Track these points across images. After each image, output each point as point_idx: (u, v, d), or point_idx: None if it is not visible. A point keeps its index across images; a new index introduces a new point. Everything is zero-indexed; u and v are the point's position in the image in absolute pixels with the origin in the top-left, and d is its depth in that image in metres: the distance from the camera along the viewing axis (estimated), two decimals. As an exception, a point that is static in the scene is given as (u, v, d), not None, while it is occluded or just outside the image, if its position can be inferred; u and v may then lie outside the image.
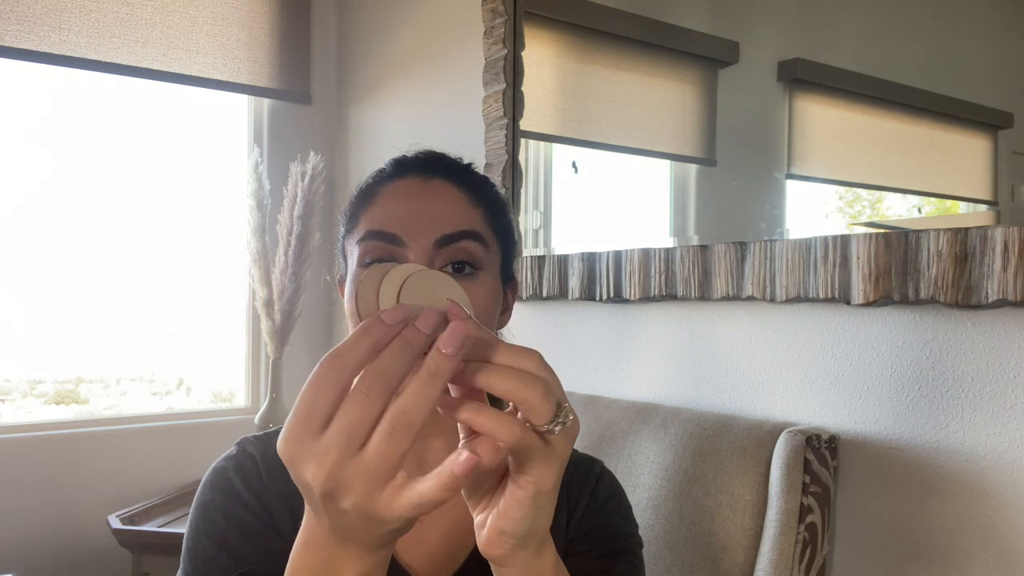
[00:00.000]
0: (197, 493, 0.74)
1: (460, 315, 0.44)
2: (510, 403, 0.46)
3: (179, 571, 0.72)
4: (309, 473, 0.42)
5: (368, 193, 0.74)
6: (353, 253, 0.71)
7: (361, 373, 0.42)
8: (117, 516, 1.75)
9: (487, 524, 0.50)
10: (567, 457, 0.48)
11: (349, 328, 0.64)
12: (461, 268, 0.69)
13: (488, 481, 0.51)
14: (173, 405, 2.32)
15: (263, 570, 0.68)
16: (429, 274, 0.49)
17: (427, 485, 0.42)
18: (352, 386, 0.42)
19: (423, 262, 0.67)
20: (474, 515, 0.52)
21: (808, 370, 1.12)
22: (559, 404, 0.45)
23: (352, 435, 0.42)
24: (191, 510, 0.73)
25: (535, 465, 0.46)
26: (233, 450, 0.76)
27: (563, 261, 1.46)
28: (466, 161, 0.80)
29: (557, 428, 0.45)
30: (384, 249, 0.69)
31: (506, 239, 0.77)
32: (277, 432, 0.73)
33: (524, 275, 1.54)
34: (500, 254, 0.75)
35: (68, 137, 2.09)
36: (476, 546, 0.72)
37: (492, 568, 0.53)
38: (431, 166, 0.74)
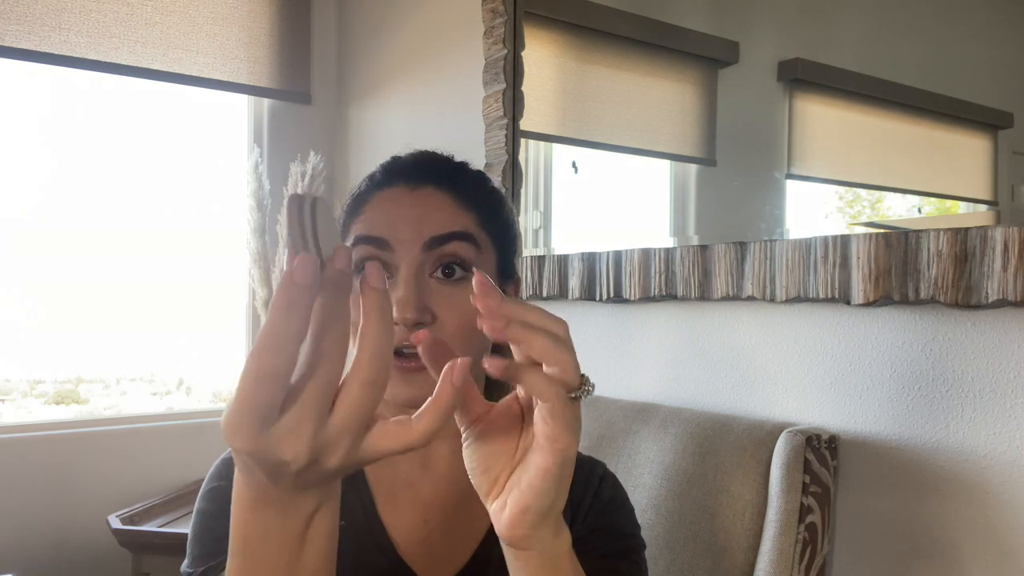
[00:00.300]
0: (204, 481, 0.75)
1: (485, 284, 0.45)
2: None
3: (186, 556, 0.72)
4: (288, 453, 0.41)
5: (359, 201, 0.75)
6: None
7: (310, 336, 0.41)
8: (117, 516, 1.75)
9: (508, 505, 0.50)
10: (579, 435, 0.49)
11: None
12: (451, 271, 0.69)
13: (499, 463, 0.51)
14: (173, 405, 2.32)
15: None
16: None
17: (426, 416, 0.43)
18: (302, 353, 0.41)
19: (412, 266, 0.67)
20: (489, 503, 0.51)
21: (808, 370, 1.12)
22: (581, 375, 0.47)
23: (323, 400, 0.41)
24: (198, 498, 0.74)
25: (564, 431, 0.47)
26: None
27: (563, 261, 1.46)
28: (460, 159, 0.79)
29: (584, 394, 0.47)
30: (374, 255, 0.69)
31: (503, 238, 0.76)
32: None
33: (524, 275, 1.54)
34: (496, 254, 0.75)
35: (68, 137, 2.09)
36: (478, 547, 0.73)
37: (511, 557, 0.53)
38: (420, 172, 0.73)
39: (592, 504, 0.77)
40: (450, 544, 0.74)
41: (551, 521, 0.51)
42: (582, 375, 0.47)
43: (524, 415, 0.51)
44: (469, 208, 0.72)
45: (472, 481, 0.52)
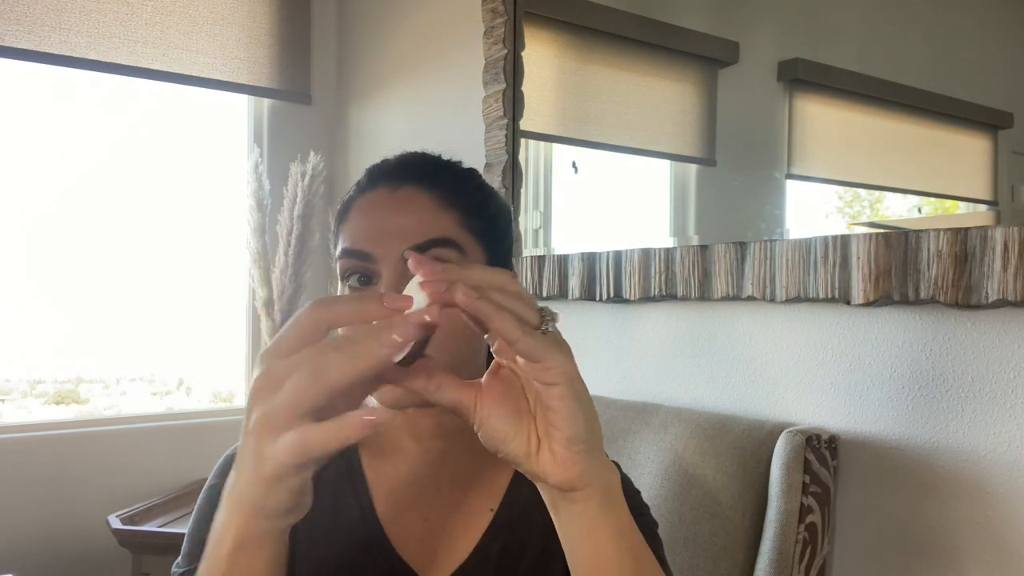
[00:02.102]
0: (208, 479, 0.76)
1: (417, 258, 0.48)
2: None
3: (180, 553, 0.74)
4: (255, 380, 0.46)
5: (346, 207, 0.74)
6: (336, 268, 0.72)
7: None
8: (117, 516, 1.75)
9: (553, 448, 0.50)
10: (571, 352, 0.50)
11: None
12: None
13: (523, 423, 0.51)
14: (173, 405, 2.33)
15: None
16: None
17: (316, 429, 0.45)
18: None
19: (394, 276, 0.67)
20: (536, 463, 0.51)
21: (808, 370, 1.12)
22: (540, 309, 0.50)
23: (282, 374, 0.45)
24: (199, 496, 0.76)
25: (551, 355, 0.48)
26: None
27: (563, 261, 1.46)
28: (452, 158, 0.78)
29: (549, 327, 0.49)
30: (359, 266, 0.69)
31: (491, 235, 0.74)
32: None
33: (524, 275, 1.54)
34: (484, 251, 0.73)
35: (68, 138, 2.09)
36: (478, 543, 0.73)
37: (573, 510, 0.53)
38: (400, 173, 0.73)
39: None
40: (450, 541, 0.74)
41: (598, 451, 0.52)
42: (540, 309, 0.50)
43: (516, 374, 0.52)
44: (451, 207, 0.71)
45: (507, 454, 0.52)
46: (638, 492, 0.80)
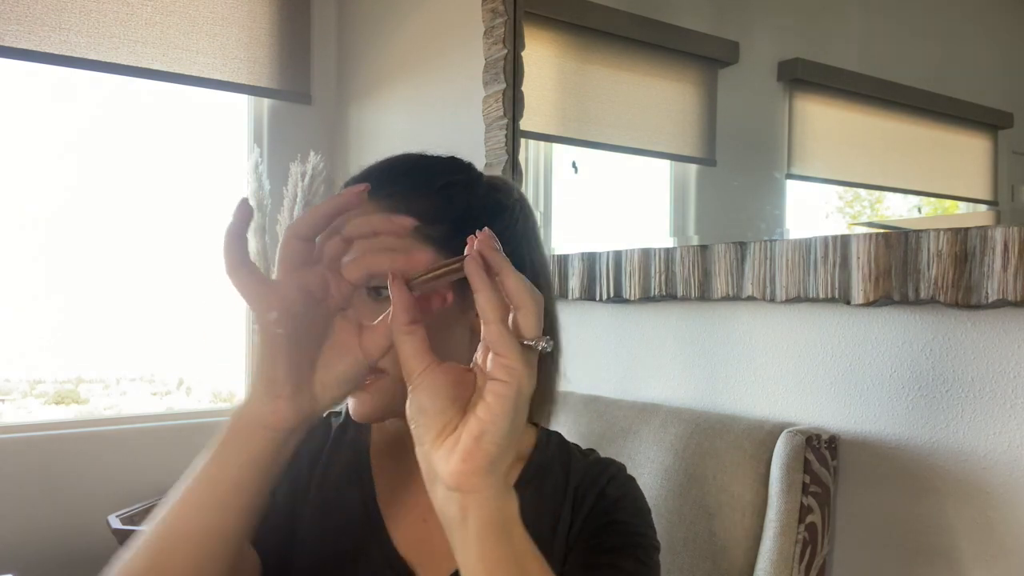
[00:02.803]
0: None
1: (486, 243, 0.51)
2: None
3: None
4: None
5: None
6: None
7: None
8: (117, 516, 1.75)
9: (461, 438, 0.49)
10: (535, 379, 0.50)
11: None
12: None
13: (452, 408, 0.50)
14: (173, 405, 2.32)
15: None
16: None
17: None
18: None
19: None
20: (437, 447, 0.50)
21: (808, 370, 1.12)
22: (545, 336, 0.50)
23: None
24: None
25: (513, 355, 0.48)
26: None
27: (563, 261, 1.46)
28: (437, 155, 0.76)
29: (538, 344, 0.50)
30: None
31: (457, 239, 0.67)
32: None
33: (524, 275, 1.54)
34: (449, 254, 0.69)
35: (67, 137, 2.09)
36: None
37: (456, 513, 0.50)
38: (360, 180, 0.72)
39: (596, 502, 0.75)
40: (447, 545, 0.73)
41: (501, 468, 0.50)
42: (545, 336, 0.50)
43: (477, 377, 0.51)
44: (403, 214, 0.68)
45: (419, 427, 0.51)
46: (646, 512, 0.77)
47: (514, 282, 0.50)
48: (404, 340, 0.52)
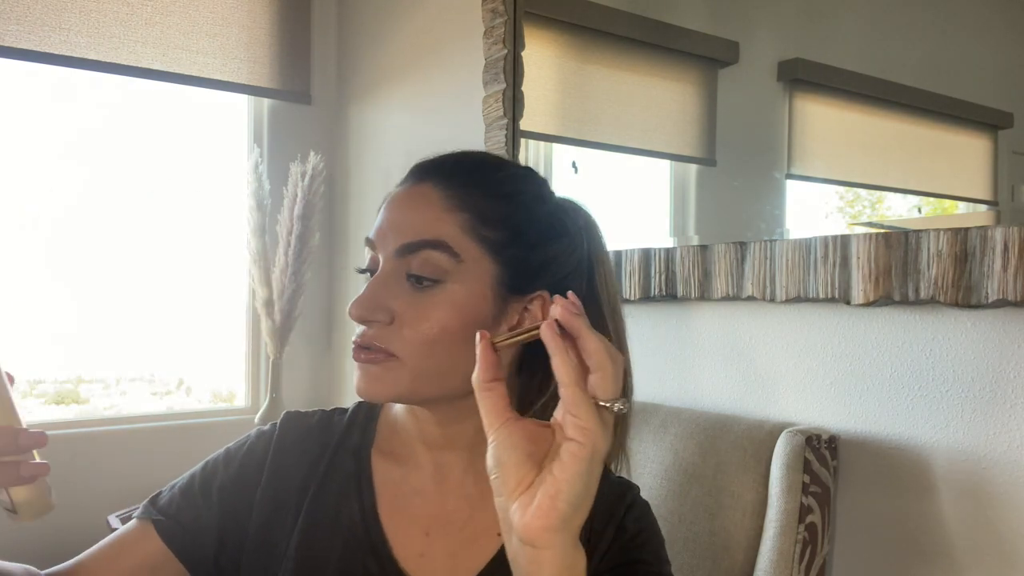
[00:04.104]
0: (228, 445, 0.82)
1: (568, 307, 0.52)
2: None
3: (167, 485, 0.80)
4: None
5: (384, 199, 0.76)
6: None
7: None
8: (117, 516, 1.75)
9: (537, 496, 0.50)
10: (611, 439, 0.52)
11: None
12: (419, 280, 0.67)
13: (528, 464, 0.51)
14: (173, 405, 2.32)
15: (207, 524, 0.75)
16: None
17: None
18: None
19: (385, 268, 0.69)
20: (512, 500, 0.51)
21: (808, 370, 1.12)
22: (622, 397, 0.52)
23: None
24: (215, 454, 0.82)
25: (589, 416, 0.49)
26: (269, 426, 0.82)
27: (563, 261, 1.45)
28: (505, 160, 0.78)
29: (616, 407, 0.50)
30: (370, 255, 0.72)
31: (509, 250, 0.69)
32: (318, 412, 0.82)
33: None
34: (497, 264, 0.69)
35: (67, 138, 2.09)
36: (481, 571, 0.71)
37: (525, 560, 0.52)
38: (427, 169, 0.72)
39: (615, 537, 0.73)
40: (451, 561, 0.72)
41: (574, 525, 0.51)
42: (622, 396, 0.51)
43: (555, 434, 0.52)
44: (461, 209, 0.68)
45: (496, 478, 0.52)
46: (661, 543, 0.77)
47: (594, 345, 0.51)
48: (485, 396, 0.53)
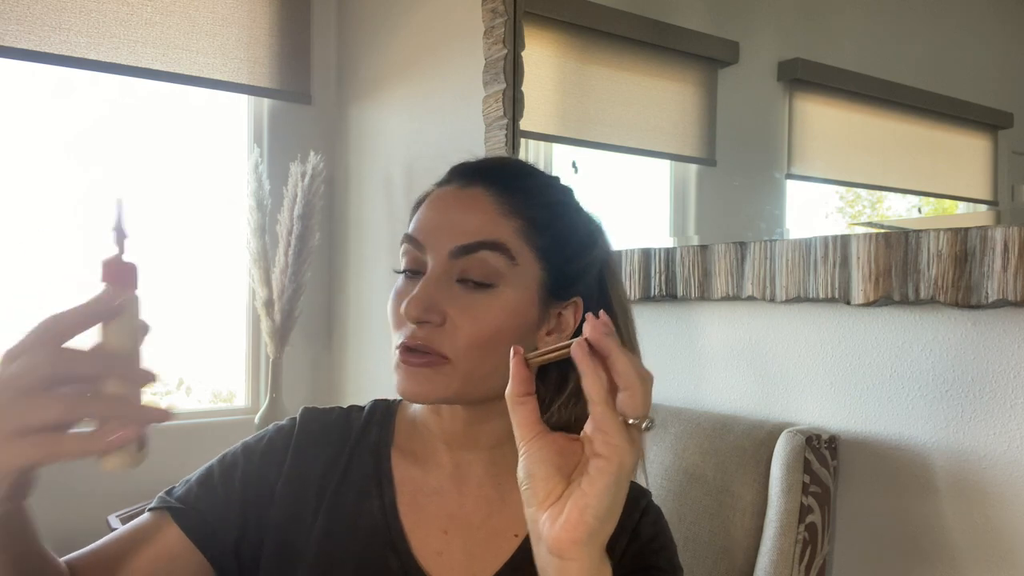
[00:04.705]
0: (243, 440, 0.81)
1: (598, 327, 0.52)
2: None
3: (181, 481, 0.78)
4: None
5: (421, 198, 0.76)
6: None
7: None
8: (117, 516, 1.75)
9: (566, 508, 0.51)
10: (638, 455, 0.52)
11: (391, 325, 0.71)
12: (473, 283, 0.68)
13: (558, 476, 0.52)
14: (173, 405, 2.32)
15: (231, 514, 0.74)
16: None
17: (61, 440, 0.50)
18: None
19: (437, 269, 0.69)
20: (541, 512, 0.52)
21: (808, 370, 1.12)
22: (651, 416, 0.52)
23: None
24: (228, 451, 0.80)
25: (618, 433, 0.50)
26: (287, 421, 0.82)
27: (563, 261, 1.45)
28: (540, 169, 0.79)
29: (644, 424, 0.51)
30: (412, 254, 0.71)
31: (554, 256, 0.72)
32: (336, 408, 0.82)
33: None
34: (543, 269, 0.71)
35: (67, 138, 2.09)
36: (498, 571, 0.71)
37: (553, 571, 0.52)
38: (476, 172, 0.74)
39: (629, 543, 0.74)
40: (468, 560, 0.72)
41: (601, 539, 0.52)
42: (650, 415, 0.52)
43: (584, 448, 0.53)
44: (515, 215, 0.70)
45: (527, 489, 0.53)
46: (674, 550, 0.78)
47: (623, 364, 0.51)
48: (518, 410, 0.54)
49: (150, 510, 0.74)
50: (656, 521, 0.78)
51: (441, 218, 0.71)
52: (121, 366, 0.53)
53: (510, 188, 0.72)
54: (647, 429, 0.51)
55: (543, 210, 0.72)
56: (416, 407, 0.79)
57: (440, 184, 0.75)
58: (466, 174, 0.74)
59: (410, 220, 0.75)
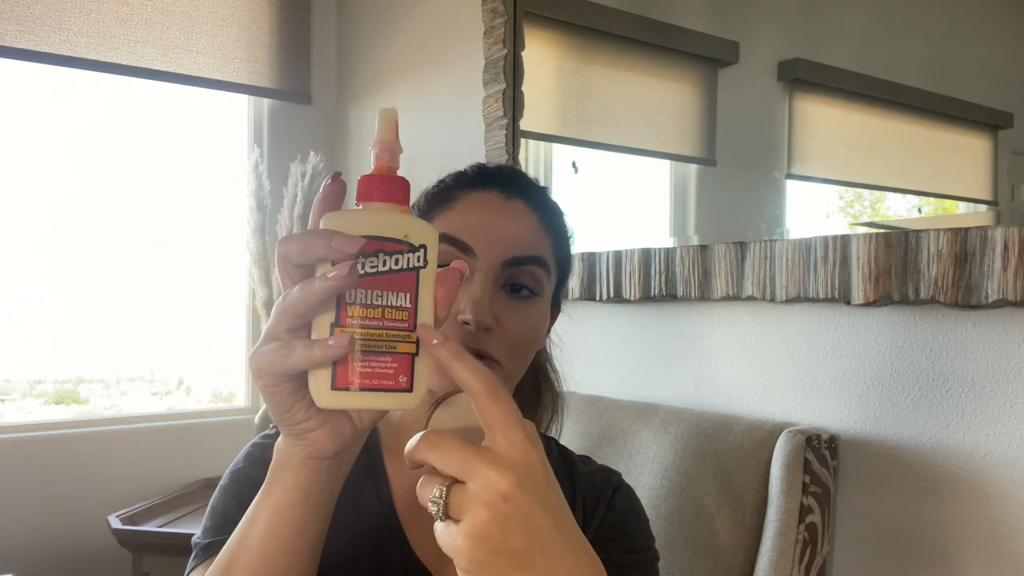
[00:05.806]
0: (231, 463, 0.79)
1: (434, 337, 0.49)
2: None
3: (200, 527, 0.74)
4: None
5: (447, 195, 0.76)
6: None
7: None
8: (117, 516, 1.75)
9: None
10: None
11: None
12: (519, 290, 0.72)
13: None
14: (173, 405, 2.32)
15: None
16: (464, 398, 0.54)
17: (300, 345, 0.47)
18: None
19: (490, 275, 0.70)
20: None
21: (808, 370, 1.12)
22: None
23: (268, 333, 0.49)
24: (224, 477, 0.78)
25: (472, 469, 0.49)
26: (273, 430, 0.80)
27: (563, 261, 1.45)
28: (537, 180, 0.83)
29: (432, 502, 0.49)
30: (451, 255, 0.70)
31: (563, 269, 0.80)
32: None
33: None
34: (556, 282, 0.78)
35: (67, 138, 2.09)
36: None
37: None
38: (513, 184, 0.76)
39: (605, 515, 0.78)
40: None
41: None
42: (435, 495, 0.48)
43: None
44: (548, 232, 0.76)
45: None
46: (646, 521, 0.81)
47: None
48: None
49: (193, 567, 0.71)
50: (628, 494, 0.82)
51: (494, 225, 0.72)
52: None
53: (543, 205, 0.77)
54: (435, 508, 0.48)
55: (560, 226, 0.79)
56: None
57: (473, 185, 0.76)
58: (505, 183, 0.76)
59: (433, 212, 0.75)
